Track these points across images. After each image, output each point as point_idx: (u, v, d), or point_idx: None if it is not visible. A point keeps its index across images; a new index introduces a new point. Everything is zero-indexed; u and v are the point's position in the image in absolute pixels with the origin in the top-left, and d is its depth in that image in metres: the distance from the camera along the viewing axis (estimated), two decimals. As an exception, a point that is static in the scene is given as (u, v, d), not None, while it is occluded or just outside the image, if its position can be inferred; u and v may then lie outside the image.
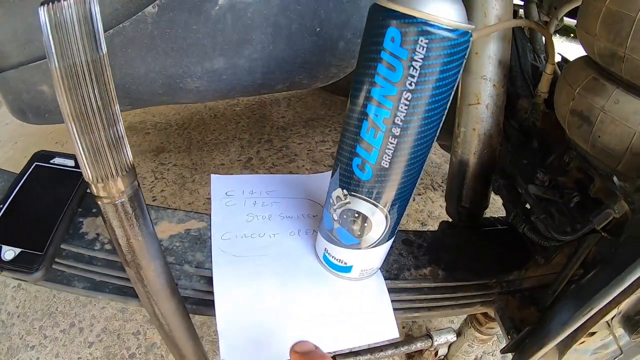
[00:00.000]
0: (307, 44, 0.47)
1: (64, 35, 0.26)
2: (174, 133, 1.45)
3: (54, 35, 0.26)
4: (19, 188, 0.50)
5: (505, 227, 0.61)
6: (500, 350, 0.51)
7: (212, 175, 0.54)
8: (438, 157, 1.39)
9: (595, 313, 0.37)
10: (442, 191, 1.24)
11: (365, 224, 0.39)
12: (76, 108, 0.28)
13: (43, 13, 0.25)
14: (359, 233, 0.40)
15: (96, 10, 0.27)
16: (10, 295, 0.99)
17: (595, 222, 0.41)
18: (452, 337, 0.75)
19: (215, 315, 0.44)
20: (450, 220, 0.65)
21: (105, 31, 0.43)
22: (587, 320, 0.40)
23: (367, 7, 0.48)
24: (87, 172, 0.31)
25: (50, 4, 0.25)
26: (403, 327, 0.96)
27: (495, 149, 0.60)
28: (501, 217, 0.65)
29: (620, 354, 0.48)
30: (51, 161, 0.53)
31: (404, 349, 0.73)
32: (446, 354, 0.85)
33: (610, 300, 0.35)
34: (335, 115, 1.57)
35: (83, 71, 0.27)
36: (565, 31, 1.17)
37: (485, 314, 0.71)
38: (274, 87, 0.50)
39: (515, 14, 0.82)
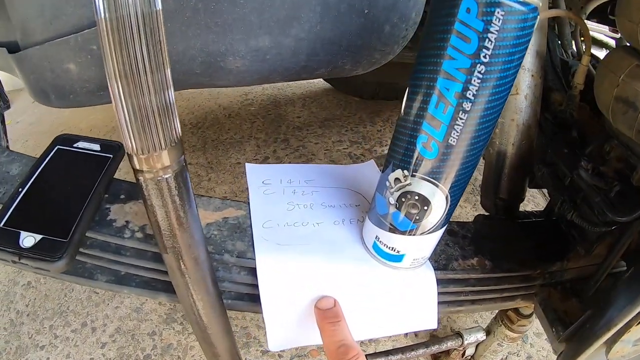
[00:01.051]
0: (354, 26, 0.44)
1: None
2: (188, 132, 1.42)
3: None
4: (40, 172, 0.45)
5: (542, 219, 0.58)
6: (559, 340, 0.48)
7: (246, 164, 0.51)
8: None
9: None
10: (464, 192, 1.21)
11: (425, 207, 0.36)
12: (125, 66, 0.25)
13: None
14: (417, 217, 0.37)
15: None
16: (20, 294, 0.95)
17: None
18: (481, 336, 0.73)
19: (256, 306, 0.41)
20: (484, 213, 0.62)
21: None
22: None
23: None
24: (131, 141, 0.28)
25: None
26: (426, 328, 0.93)
27: (533, 140, 0.58)
28: (535, 210, 0.63)
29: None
30: (74, 145, 0.49)
31: (435, 349, 0.70)
32: (473, 354, 0.82)
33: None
34: (350, 116, 1.55)
35: (135, 25, 0.24)
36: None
37: (517, 312, 0.68)
38: (315, 70, 0.47)
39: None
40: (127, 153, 0.29)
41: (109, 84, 0.26)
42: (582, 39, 0.76)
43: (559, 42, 0.74)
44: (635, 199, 0.46)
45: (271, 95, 1.65)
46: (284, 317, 0.41)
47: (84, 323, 0.90)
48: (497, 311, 0.74)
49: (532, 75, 0.57)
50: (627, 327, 0.44)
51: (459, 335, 0.72)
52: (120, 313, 0.91)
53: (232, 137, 1.42)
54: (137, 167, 0.30)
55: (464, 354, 0.81)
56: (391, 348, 0.66)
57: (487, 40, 0.29)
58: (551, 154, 0.54)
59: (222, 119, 1.51)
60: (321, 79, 1.63)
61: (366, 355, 0.58)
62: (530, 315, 0.69)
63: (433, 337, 0.89)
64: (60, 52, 0.44)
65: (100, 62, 0.42)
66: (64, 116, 1.48)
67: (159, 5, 0.24)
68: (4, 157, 0.51)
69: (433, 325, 0.46)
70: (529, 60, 0.56)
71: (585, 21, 1.01)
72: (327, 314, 0.41)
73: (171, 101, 0.28)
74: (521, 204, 0.61)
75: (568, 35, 0.76)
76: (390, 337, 0.89)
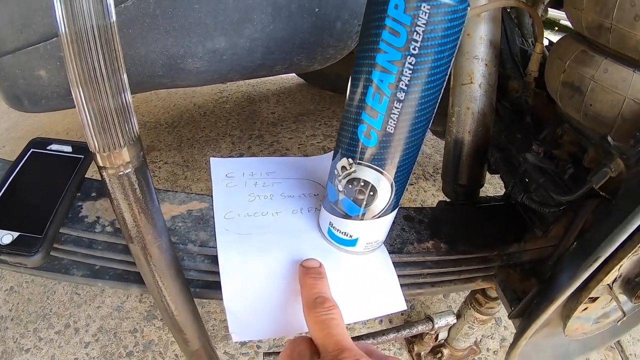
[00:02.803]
0: (306, 24, 0.47)
1: (73, 1, 0.26)
2: (163, 132, 1.44)
3: (64, 1, 0.26)
4: (16, 174, 0.49)
5: (501, 203, 0.62)
6: (509, 316, 0.51)
7: (211, 158, 0.54)
8: (429, 148, 1.41)
9: (600, 265, 0.38)
10: (434, 181, 1.26)
11: (371, 193, 0.39)
12: (84, 74, 0.28)
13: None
14: (365, 203, 0.40)
15: None
16: (3, 299, 0.97)
17: (594, 181, 0.43)
18: (452, 320, 0.76)
19: (221, 293, 0.44)
20: (447, 200, 0.66)
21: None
22: (591, 277, 0.41)
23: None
24: (93, 141, 0.31)
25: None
26: (402, 314, 0.97)
27: (489, 127, 0.61)
28: (496, 195, 0.67)
29: (624, 317, 0.50)
30: (47, 147, 0.52)
31: (406, 332, 0.74)
32: (446, 338, 0.86)
33: (615, 250, 0.37)
34: (324, 110, 1.58)
35: (92, 37, 0.27)
36: (549, 24, 1.21)
37: (484, 294, 0.72)
38: (273, 68, 0.50)
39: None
40: (91, 151, 0.32)
41: (71, 90, 0.29)
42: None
43: (519, 31, 0.78)
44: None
45: (246, 92, 1.68)
46: (245, 307, 0.43)
47: (67, 324, 0.92)
48: (467, 295, 0.78)
49: (486, 65, 0.60)
50: (577, 302, 0.48)
51: (429, 319, 0.76)
52: (102, 312, 0.94)
53: (208, 135, 1.44)
54: (100, 164, 0.33)
55: (437, 338, 0.85)
56: (364, 333, 0.69)
57: (415, 33, 0.32)
58: (504, 139, 0.58)
59: (197, 117, 1.53)
60: (295, 75, 1.66)
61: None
62: (497, 298, 0.72)
63: (405, 322, 0.92)
64: (31, 60, 0.47)
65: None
66: (40, 121, 1.49)
67: (113, 18, 0.28)
68: (-25, 159, 0.53)
69: (401, 306, 0.48)
70: (483, 50, 0.60)
71: (554, 10, 1.05)
72: (310, 271, 0.42)
73: (128, 103, 0.31)
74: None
75: (528, 25, 0.80)
76: (365, 323, 0.93)
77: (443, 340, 0.87)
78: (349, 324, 0.56)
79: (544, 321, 0.46)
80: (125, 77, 0.30)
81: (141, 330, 0.90)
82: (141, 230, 0.37)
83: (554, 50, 0.54)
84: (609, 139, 0.42)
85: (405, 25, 0.32)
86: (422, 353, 0.89)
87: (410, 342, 0.89)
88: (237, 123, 1.50)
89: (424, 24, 0.32)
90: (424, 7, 0.31)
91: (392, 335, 0.71)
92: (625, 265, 0.44)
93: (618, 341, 1.05)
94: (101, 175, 0.34)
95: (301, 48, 0.49)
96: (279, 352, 0.57)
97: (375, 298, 0.46)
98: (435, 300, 1.00)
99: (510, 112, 0.65)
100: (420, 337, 0.87)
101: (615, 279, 0.47)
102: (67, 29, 0.26)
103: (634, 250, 0.39)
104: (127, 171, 0.33)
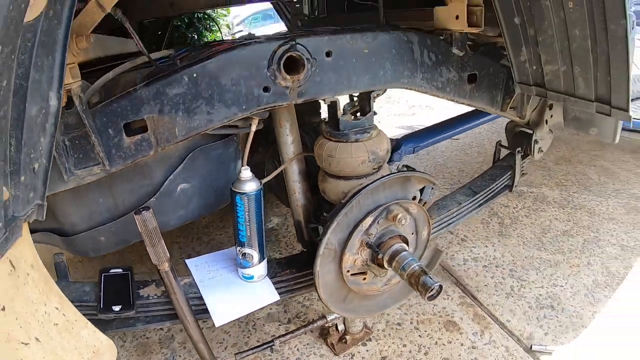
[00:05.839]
0: (211, 197, 1.37)
1: (147, 227, 1.12)
2: (125, 251, 2.17)
3: (143, 228, 1.12)
4: (103, 285, 1.30)
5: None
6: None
7: (185, 260, 1.40)
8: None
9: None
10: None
11: (251, 255, 1.27)
12: (154, 246, 1.15)
13: (138, 218, 1.11)
14: (250, 260, 1.28)
15: (155, 221, 1.13)
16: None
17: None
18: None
19: (205, 313, 1.28)
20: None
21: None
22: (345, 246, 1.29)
23: (235, 175, 1.40)
24: (156, 260, 1.17)
25: (140, 214, 1.11)
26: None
27: (310, 202, 1.51)
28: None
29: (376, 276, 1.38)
30: (110, 271, 1.35)
31: (310, 327, 1.56)
32: (344, 328, 1.66)
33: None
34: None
35: (156, 239, 1.14)
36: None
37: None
38: (198, 217, 1.38)
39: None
40: (153, 263, 1.18)
41: (147, 249, 1.15)
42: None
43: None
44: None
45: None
46: (217, 304, 1.27)
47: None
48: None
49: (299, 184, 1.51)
50: (339, 270, 1.35)
51: (324, 316, 1.59)
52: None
53: (160, 246, 2.28)
54: (159, 268, 1.19)
55: (337, 329, 1.64)
56: (284, 332, 1.52)
57: (246, 206, 1.22)
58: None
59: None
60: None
61: (274, 339, 1.46)
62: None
63: (309, 322, 1.73)
64: (95, 235, 1.31)
65: (116, 234, 1.31)
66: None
67: (155, 223, 1.15)
68: (78, 284, 1.35)
69: (276, 297, 1.34)
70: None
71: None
72: None
73: (164, 247, 1.18)
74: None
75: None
76: (285, 325, 1.75)
77: (343, 330, 1.68)
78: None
79: (330, 287, 1.33)
80: (162, 242, 1.17)
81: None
82: (174, 288, 1.22)
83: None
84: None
85: (242, 205, 1.23)
86: (334, 342, 1.69)
87: (325, 337, 1.70)
88: (179, 232, 2.34)
89: (247, 203, 1.22)
90: (244, 197, 1.22)
91: (302, 330, 1.55)
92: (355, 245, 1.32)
93: (475, 297, 1.82)
94: (158, 271, 1.19)
95: (209, 207, 1.38)
96: (247, 350, 1.41)
97: (263, 296, 1.32)
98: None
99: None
100: (327, 332, 1.68)
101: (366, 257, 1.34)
102: (148, 240, 1.13)
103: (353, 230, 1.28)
104: (166, 270, 1.20)
